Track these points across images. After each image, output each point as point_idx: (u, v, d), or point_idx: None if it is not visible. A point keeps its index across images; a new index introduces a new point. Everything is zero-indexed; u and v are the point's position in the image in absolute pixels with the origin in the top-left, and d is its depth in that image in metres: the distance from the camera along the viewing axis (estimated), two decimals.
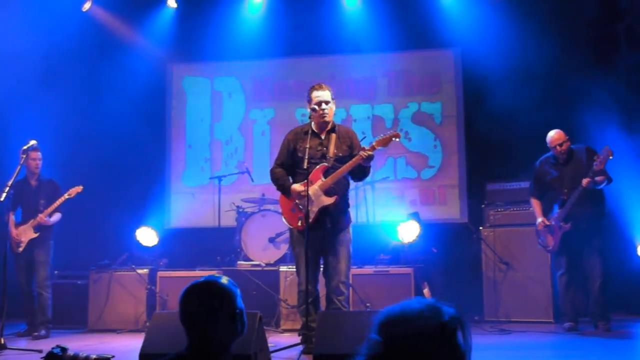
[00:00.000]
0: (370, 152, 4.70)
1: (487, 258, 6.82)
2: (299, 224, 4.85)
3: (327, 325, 4.21)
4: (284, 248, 6.87)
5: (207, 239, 7.82)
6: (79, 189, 6.51)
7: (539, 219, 6.02)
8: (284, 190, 4.97)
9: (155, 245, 7.26)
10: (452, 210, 7.98)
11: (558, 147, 5.88)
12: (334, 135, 4.97)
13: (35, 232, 6.46)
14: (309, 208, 4.72)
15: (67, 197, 6.47)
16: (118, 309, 6.75)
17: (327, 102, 4.94)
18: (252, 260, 6.93)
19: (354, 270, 6.34)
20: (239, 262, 6.99)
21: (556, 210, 5.88)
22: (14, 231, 6.44)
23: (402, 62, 8.34)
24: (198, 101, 8.80)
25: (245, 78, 8.70)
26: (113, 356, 2.46)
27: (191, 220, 8.42)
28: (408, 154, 8.17)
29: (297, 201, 4.89)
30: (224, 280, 2.16)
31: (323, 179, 4.85)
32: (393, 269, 6.41)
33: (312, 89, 5.00)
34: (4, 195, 5.66)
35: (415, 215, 6.91)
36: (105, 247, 7.52)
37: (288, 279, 6.43)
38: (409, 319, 1.40)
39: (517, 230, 6.75)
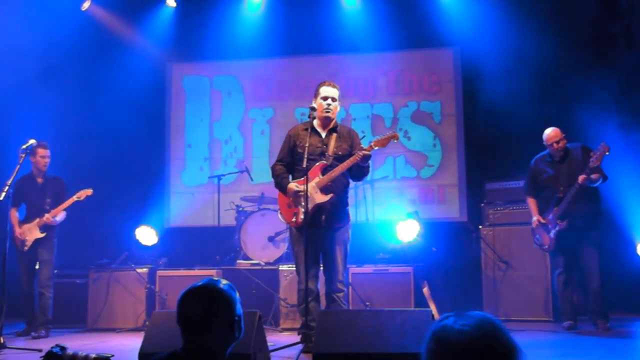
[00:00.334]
0: (367, 152, 4.70)
1: (486, 257, 6.82)
2: (293, 220, 4.86)
3: (326, 324, 4.21)
4: (283, 247, 6.87)
5: (206, 238, 7.82)
6: (89, 192, 6.46)
7: (535, 217, 6.01)
8: (281, 187, 4.99)
9: (154, 245, 7.26)
10: (452, 209, 7.98)
11: (555, 145, 5.88)
12: (334, 134, 4.98)
13: (42, 232, 6.42)
14: (306, 205, 4.73)
15: (76, 199, 6.42)
16: (117, 308, 6.75)
17: (333, 99, 4.96)
18: (251, 259, 6.93)
19: (354, 269, 6.35)
20: (238, 261, 6.99)
21: (552, 208, 5.88)
22: (17, 229, 6.40)
23: (401, 61, 8.34)
24: (197, 100, 8.80)
25: (245, 77, 8.70)
26: (112, 355, 2.46)
27: (190, 219, 8.43)
28: (407, 153, 8.17)
29: (292, 198, 4.90)
30: (223, 283, 2.13)
31: (321, 176, 4.86)
32: (392, 268, 6.41)
33: (322, 83, 5.04)
34: (3, 194, 5.64)
35: (415, 214, 6.91)
36: (105, 246, 7.51)
37: (287, 277, 6.43)
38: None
39: (516, 229, 6.75)
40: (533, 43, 7.24)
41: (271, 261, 6.85)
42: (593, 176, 5.65)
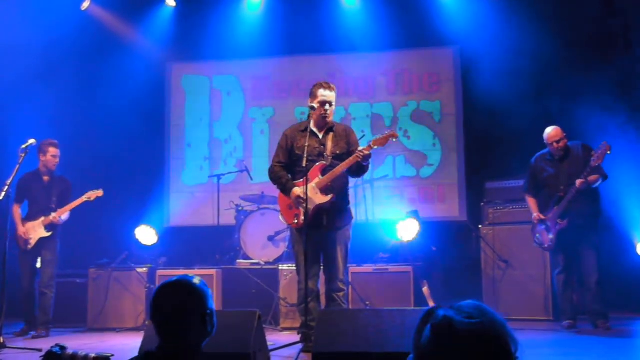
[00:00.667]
0: (367, 152, 4.70)
1: (486, 256, 6.82)
2: (295, 221, 4.86)
3: (326, 323, 4.21)
4: (283, 246, 6.87)
5: (206, 237, 7.83)
6: (100, 193, 6.45)
7: (535, 214, 5.99)
8: (285, 190, 4.97)
9: (154, 244, 7.26)
10: (452, 208, 7.98)
11: (555, 144, 5.87)
12: (331, 134, 4.98)
13: (48, 231, 6.39)
14: (307, 207, 4.72)
15: (86, 199, 6.39)
16: (117, 308, 6.74)
17: (331, 104, 4.94)
18: (251, 259, 6.93)
19: (354, 268, 6.34)
20: (238, 260, 6.99)
21: (552, 207, 5.87)
22: (21, 228, 6.36)
23: (401, 60, 8.34)
24: (197, 100, 8.80)
25: (244, 77, 8.70)
26: (112, 355, 2.46)
27: (190, 218, 8.43)
28: (407, 153, 8.17)
29: (294, 200, 4.90)
30: (197, 280, 2.17)
31: (320, 177, 4.85)
32: (392, 268, 6.41)
33: (320, 86, 4.97)
34: (3, 194, 5.63)
35: (415, 214, 6.91)
36: (105, 246, 7.51)
37: (287, 277, 6.43)
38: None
39: (516, 229, 6.75)
40: (533, 42, 7.24)
41: (271, 260, 6.85)
42: (590, 178, 5.64)
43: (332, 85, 4.99)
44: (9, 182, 5.68)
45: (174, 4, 8.35)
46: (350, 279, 6.22)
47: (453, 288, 6.94)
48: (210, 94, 8.80)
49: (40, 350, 5.12)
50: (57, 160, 6.52)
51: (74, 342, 5.72)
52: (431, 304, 6.08)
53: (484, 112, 7.58)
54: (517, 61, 7.28)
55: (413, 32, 8.03)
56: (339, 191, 4.90)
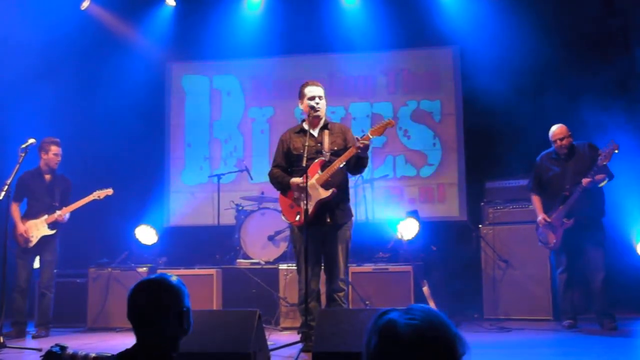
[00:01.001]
0: (365, 142, 4.69)
1: (486, 256, 6.82)
2: (297, 218, 4.86)
3: (326, 323, 4.21)
4: (283, 246, 6.87)
5: (206, 237, 7.81)
6: (110, 191, 6.44)
7: (540, 216, 5.98)
8: (284, 186, 4.98)
9: (154, 244, 7.26)
10: (452, 208, 7.98)
11: (559, 142, 5.85)
12: (326, 131, 5.00)
13: (52, 229, 6.35)
14: (308, 202, 4.74)
15: (95, 198, 6.37)
16: (117, 308, 6.72)
17: (320, 97, 4.97)
18: (251, 259, 6.93)
19: (353, 268, 6.34)
20: (238, 260, 6.99)
21: (558, 206, 5.85)
22: (21, 226, 6.31)
23: (401, 60, 8.33)
24: (197, 100, 8.80)
25: (244, 76, 8.70)
26: (112, 355, 2.45)
27: (190, 218, 8.42)
28: (407, 152, 8.17)
29: (295, 195, 4.90)
30: (174, 278, 2.19)
31: (320, 172, 4.86)
32: (392, 267, 6.41)
33: (306, 84, 5.05)
34: (3, 193, 5.62)
35: (415, 213, 6.91)
36: (105, 246, 7.51)
37: (287, 277, 6.43)
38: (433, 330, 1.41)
39: (516, 228, 6.75)
40: (532, 42, 7.24)
41: (271, 260, 6.85)
42: (597, 177, 5.63)
43: (317, 82, 5.07)
44: (8, 181, 5.66)
45: (173, 3, 8.34)
46: (350, 279, 6.22)
47: (453, 288, 6.94)
48: (210, 93, 8.80)
49: (40, 350, 5.12)
50: (59, 158, 6.48)
51: (74, 342, 5.72)
52: (431, 303, 6.08)
53: (484, 112, 7.57)
54: (516, 61, 7.28)
55: (413, 31, 8.02)
56: (339, 186, 4.91)
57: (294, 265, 5.79)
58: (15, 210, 6.37)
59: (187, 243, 7.99)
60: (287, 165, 5.08)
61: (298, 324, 5.29)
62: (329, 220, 4.88)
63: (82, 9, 8.03)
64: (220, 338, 4.09)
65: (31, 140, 5.96)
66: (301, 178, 4.83)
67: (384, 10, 7.94)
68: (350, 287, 6.15)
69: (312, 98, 4.96)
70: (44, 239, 6.36)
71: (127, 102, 7.95)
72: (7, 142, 6.82)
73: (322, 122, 5.05)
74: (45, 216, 6.35)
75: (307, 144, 4.76)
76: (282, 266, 6.53)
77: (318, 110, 4.95)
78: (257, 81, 8.65)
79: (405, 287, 6.22)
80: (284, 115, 8.27)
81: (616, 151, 5.47)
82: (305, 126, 5.02)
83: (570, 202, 5.73)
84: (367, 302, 6.17)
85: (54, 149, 6.43)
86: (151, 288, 2.14)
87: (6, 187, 5.64)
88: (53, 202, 6.40)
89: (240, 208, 7.32)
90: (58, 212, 6.32)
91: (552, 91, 7.26)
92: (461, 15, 7.75)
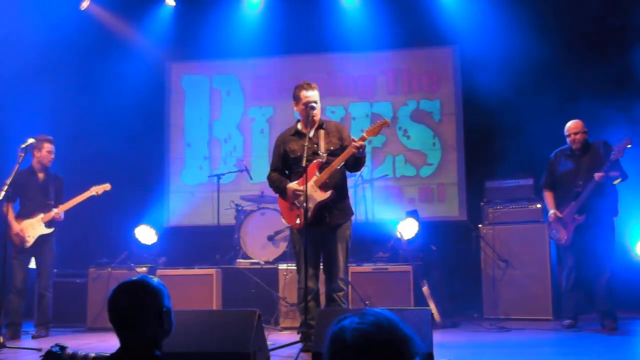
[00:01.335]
0: (361, 142, 4.69)
1: (486, 256, 6.82)
2: (297, 221, 4.86)
3: (326, 322, 4.19)
4: (283, 246, 6.87)
5: (206, 237, 7.82)
6: (107, 187, 6.39)
7: (551, 211, 5.93)
8: (281, 190, 4.99)
9: (154, 244, 7.26)
10: (451, 208, 7.98)
11: (572, 136, 5.83)
12: (322, 132, 4.99)
13: (48, 228, 6.28)
14: (307, 205, 4.73)
15: (93, 194, 6.32)
16: None
17: (316, 102, 4.96)
18: (251, 259, 6.93)
19: (353, 268, 6.34)
20: (238, 260, 6.99)
21: (570, 202, 5.79)
22: (16, 226, 6.22)
23: (401, 59, 8.33)
24: (197, 99, 8.80)
25: (244, 76, 8.70)
26: (112, 354, 2.45)
27: (190, 218, 8.43)
28: (407, 152, 8.17)
29: (295, 201, 4.90)
30: (154, 279, 2.20)
31: (318, 174, 4.86)
32: (392, 267, 6.40)
33: (301, 88, 5.00)
34: (3, 193, 5.61)
35: (414, 213, 6.91)
36: (105, 246, 7.51)
37: (287, 276, 6.43)
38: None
39: (516, 228, 6.75)
40: (532, 41, 7.24)
41: (271, 260, 6.85)
42: (612, 173, 5.59)
43: (312, 85, 5.01)
44: (8, 181, 5.65)
45: (173, 3, 8.35)
46: (350, 279, 6.22)
47: (453, 288, 6.94)
48: (210, 93, 8.80)
49: (40, 350, 5.12)
50: (53, 156, 6.39)
51: (74, 342, 5.72)
52: (431, 303, 6.08)
53: (483, 112, 7.58)
54: (516, 60, 7.28)
55: (413, 31, 8.02)
56: (338, 187, 4.91)
57: (294, 265, 5.79)
58: (10, 210, 6.24)
59: (187, 243, 7.99)
60: (285, 168, 5.08)
61: (298, 324, 5.29)
62: (327, 220, 4.88)
63: (82, 8, 8.04)
64: (220, 338, 4.09)
65: (31, 140, 5.95)
66: (296, 183, 4.85)
67: (384, 10, 7.94)
68: (350, 286, 6.15)
69: (307, 103, 4.93)
70: (41, 238, 6.29)
71: (127, 102, 7.94)
72: (7, 142, 6.80)
73: (317, 123, 5.04)
74: (42, 215, 6.29)
75: (306, 144, 4.75)
76: (282, 266, 6.53)
77: (315, 116, 4.95)
78: (257, 81, 8.65)
79: (405, 287, 6.22)
80: (284, 115, 8.25)
81: (629, 146, 5.46)
82: (300, 127, 5.03)
83: (582, 198, 5.68)
84: (367, 302, 6.17)
85: (47, 146, 6.33)
86: (132, 290, 2.15)
87: (6, 187, 5.62)
88: (47, 201, 6.32)
89: (240, 208, 7.32)
90: (55, 210, 6.26)
91: (552, 91, 7.26)
92: (461, 15, 7.75)
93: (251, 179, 7.65)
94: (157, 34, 8.51)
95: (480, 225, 6.97)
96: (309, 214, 4.73)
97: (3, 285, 5.50)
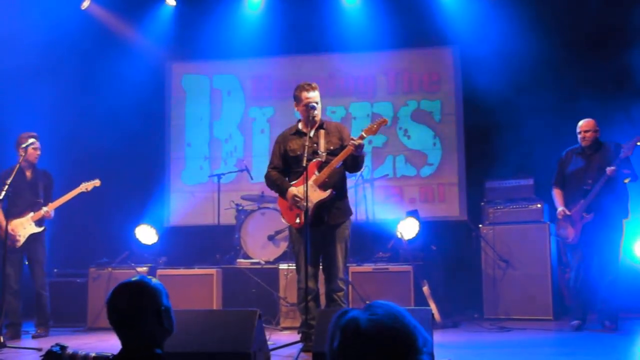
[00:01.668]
0: (360, 141, 4.70)
1: (486, 256, 6.82)
2: (297, 221, 4.86)
3: (326, 323, 4.18)
4: (284, 246, 6.87)
5: (206, 237, 7.82)
6: (97, 183, 6.29)
7: (560, 208, 5.90)
8: (282, 192, 4.99)
9: (154, 244, 7.25)
10: (452, 207, 7.98)
11: (583, 133, 5.81)
12: (322, 131, 5.00)
13: (39, 227, 6.20)
14: (307, 205, 4.73)
15: (82, 191, 6.22)
16: None
17: (317, 103, 4.97)
18: (251, 258, 6.93)
19: (354, 268, 6.34)
20: (238, 260, 6.99)
21: (579, 200, 5.77)
22: (7, 225, 6.01)
23: (401, 60, 8.33)
24: (197, 99, 8.79)
25: (245, 76, 8.70)
26: (112, 354, 2.45)
27: (190, 218, 8.42)
28: (407, 152, 8.17)
29: (290, 204, 4.90)
30: (153, 280, 2.21)
31: (317, 173, 4.86)
32: (392, 267, 6.41)
33: (302, 89, 5.00)
34: (3, 193, 5.59)
35: (415, 213, 6.90)
36: (105, 245, 7.50)
37: (287, 276, 6.43)
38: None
39: (516, 228, 6.75)
40: (532, 41, 7.24)
41: (271, 260, 6.85)
42: (624, 171, 5.57)
43: (313, 85, 5.01)
44: (8, 181, 5.64)
45: (174, 3, 8.34)
46: (350, 279, 6.22)
47: (453, 288, 6.94)
48: (210, 93, 8.80)
49: (40, 350, 5.13)
50: (39, 152, 6.24)
51: (74, 342, 5.72)
52: (431, 303, 6.08)
53: (484, 112, 7.58)
54: (516, 60, 7.28)
55: (413, 31, 8.02)
56: (337, 186, 4.91)
57: (294, 265, 5.79)
58: None
59: (187, 243, 7.99)
60: (284, 167, 5.08)
61: (298, 324, 5.29)
62: (326, 220, 4.88)
63: (83, 8, 8.03)
64: (220, 338, 4.09)
65: (31, 140, 5.95)
66: (296, 183, 4.86)
67: (384, 10, 7.94)
68: (350, 286, 6.15)
69: (308, 104, 4.93)
70: (32, 237, 6.19)
71: (128, 102, 7.94)
72: (7, 142, 6.79)
73: (317, 123, 5.05)
74: (31, 214, 6.18)
75: (307, 144, 4.76)
76: (282, 266, 6.53)
77: (315, 116, 4.95)
78: (258, 81, 8.65)
79: (405, 286, 6.22)
80: (284, 115, 8.25)
81: (639, 144, 5.45)
82: (300, 126, 5.04)
83: (591, 196, 5.65)
84: (367, 302, 6.16)
85: (32, 142, 6.14)
86: (130, 290, 2.15)
87: (6, 187, 5.61)
88: (36, 199, 6.22)
89: (241, 208, 7.32)
90: (44, 209, 6.16)
91: (552, 90, 7.26)
92: (461, 15, 7.75)
93: (252, 178, 7.65)
94: (158, 34, 8.51)
95: (480, 225, 6.97)
96: (309, 213, 4.73)
97: (3, 285, 5.49)
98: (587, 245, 5.78)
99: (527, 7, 7.36)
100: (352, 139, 4.73)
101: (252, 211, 7.16)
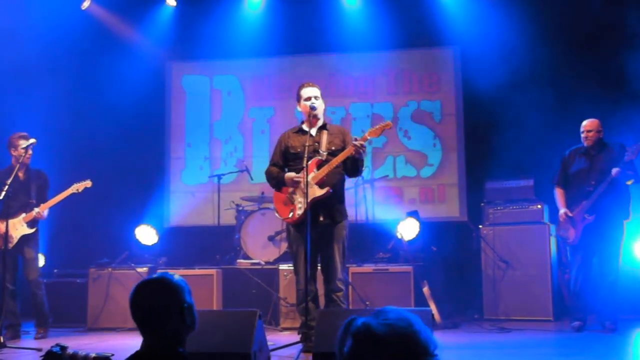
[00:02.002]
0: (362, 142, 4.71)
1: (486, 256, 6.82)
2: (290, 215, 4.86)
3: (326, 323, 4.20)
4: (284, 246, 6.86)
5: (206, 237, 7.82)
6: (88, 183, 6.21)
7: (562, 210, 5.88)
8: (279, 181, 5.01)
9: (154, 244, 7.25)
10: (452, 208, 7.98)
11: (585, 133, 5.79)
12: (325, 131, 5.03)
13: (31, 228, 6.13)
14: (302, 200, 4.75)
15: (74, 191, 6.14)
16: (117, 308, 6.71)
17: (316, 97, 5.00)
18: (251, 259, 6.93)
19: (354, 268, 6.34)
20: (238, 260, 6.99)
21: (581, 201, 5.75)
22: (1, 226, 5.94)
23: (401, 60, 8.33)
24: (197, 100, 8.79)
25: (245, 76, 8.70)
26: (112, 355, 2.46)
27: (190, 218, 8.42)
28: (407, 153, 8.17)
29: (290, 191, 4.91)
30: (175, 276, 2.21)
31: (316, 171, 4.87)
32: (392, 268, 6.40)
33: (302, 86, 5.09)
34: (3, 194, 5.59)
35: (415, 214, 6.90)
36: (105, 246, 7.50)
37: (287, 277, 6.43)
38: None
39: (516, 229, 6.74)
40: (533, 42, 7.24)
41: (271, 260, 6.85)
42: (628, 172, 5.56)
43: (313, 83, 5.10)
44: (9, 181, 5.64)
45: (174, 3, 8.34)
46: (350, 279, 6.22)
47: (453, 288, 6.94)
48: (210, 93, 8.80)
49: (40, 350, 5.12)
50: (30, 152, 6.12)
51: (74, 342, 5.71)
52: (431, 304, 6.08)
53: (484, 112, 7.58)
54: (516, 61, 7.28)
55: (413, 32, 8.02)
56: (335, 186, 4.91)
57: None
58: None
59: (187, 243, 7.99)
60: (284, 164, 5.10)
61: (298, 324, 5.29)
62: (322, 219, 4.88)
63: (83, 8, 8.03)
64: (220, 338, 4.09)
65: (31, 140, 5.94)
66: (294, 173, 4.90)
67: (385, 11, 7.94)
68: (350, 287, 6.15)
69: (308, 99, 4.99)
70: (24, 238, 6.13)
71: (128, 102, 7.94)
72: (6, 141, 6.78)
73: (320, 122, 5.07)
74: (23, 215, 6.11)
75: (308, 143, 4.77)
76: (282, 266, 6.53)
77: (316, 109, 4.96)
78: (258, 81, 8.65)
79: (406, 287, 6.21)
80: (285, 116, 8.27)
81: None
82: (305, 127, 5.06)
83: (594, 197, 5.64)
84: (367, 303, 6.17)
85: (23, 143, 6.06)
86: (151, 286, 2.16)
87: (6, 187, 5.60)
88: (29, 200, 6.15)
89: (241, 208, 7.32)
90: (36, 210, 6.07)
91: (552, 91, 7.26)
92: (461, 16, 7.75)
93: (252, 179, 7.65)
94: (158, 34, 8.50)
95: (480, 226, 6.97)
96: (305, 209, 4.74)
97: (3, 285, 5.49)
98: (587, 246, 5.77)
99: (527, 7, 7.36)
100: (355, 139, 4.74)
101: (252, 212, 7.16)
